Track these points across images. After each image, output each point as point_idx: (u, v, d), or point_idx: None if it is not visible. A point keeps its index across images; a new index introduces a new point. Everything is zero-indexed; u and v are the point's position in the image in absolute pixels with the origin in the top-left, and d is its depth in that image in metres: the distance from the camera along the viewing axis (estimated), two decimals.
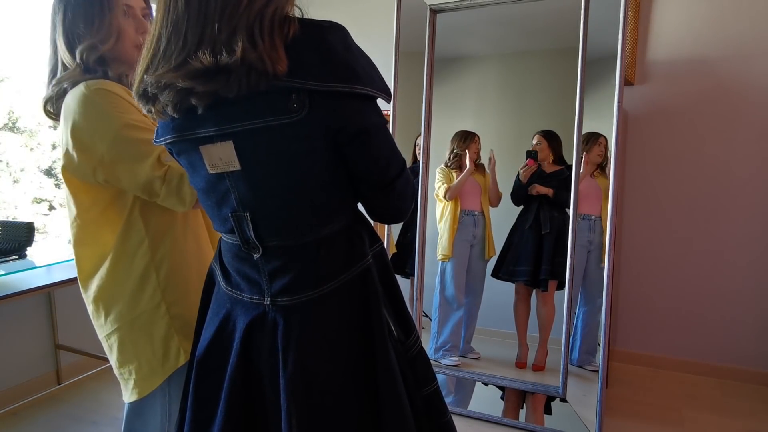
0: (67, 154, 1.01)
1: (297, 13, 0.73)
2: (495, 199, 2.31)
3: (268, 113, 0.71)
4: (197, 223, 1.12)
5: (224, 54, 0.67)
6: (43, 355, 2.38)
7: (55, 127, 1.07)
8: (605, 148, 2.13)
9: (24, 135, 2.58)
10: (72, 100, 0.98)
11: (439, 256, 2.33)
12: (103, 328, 1.09)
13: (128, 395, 1.09)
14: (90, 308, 1.10)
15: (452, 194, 2.28)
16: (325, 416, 0.80)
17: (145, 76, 0.72)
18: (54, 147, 2.80)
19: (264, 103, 0.70)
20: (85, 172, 0.99)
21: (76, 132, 0.97)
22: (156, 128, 0.83)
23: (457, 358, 2.29)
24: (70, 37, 1.02)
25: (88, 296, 1.10)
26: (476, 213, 2.31)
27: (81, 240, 1.08)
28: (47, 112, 1.09)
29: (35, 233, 2.21)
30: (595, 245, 2.16)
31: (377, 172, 0.80)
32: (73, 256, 1.10)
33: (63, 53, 1.03)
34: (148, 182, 0.96)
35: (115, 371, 1.10)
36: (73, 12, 1.02)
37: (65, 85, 1.02)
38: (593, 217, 2.16)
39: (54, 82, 1.04)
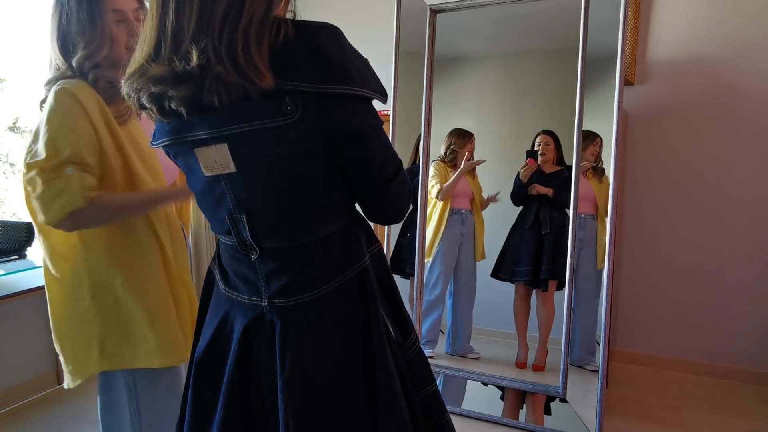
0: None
1: (289, 16, 0.73)
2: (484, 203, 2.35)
3: (262, 116, 0.70)
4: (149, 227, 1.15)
5: (190, 64, 0.66)
6: (43, 355, 2.38)
7: None
8: (600, 148, 2.13)
9: (24, 135, 2.59)
10: (48, 98, 1.04)
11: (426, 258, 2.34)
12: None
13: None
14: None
15: (444, 195, 2.29)
16: (323, 418, 0.80)
17: (126, 83, 0.73)
18: None
19: (257, 105, 0.70)
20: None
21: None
22: (153, 130, 0.84)
23: (431, 351, 2.34)
24: (64, 42, 1.06)
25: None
26: (464, 211, 2.32)
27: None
28: None
29: (35, 233, 2.21)
30: (585, 243, 2.16)
31: (373, 173, 0.80)
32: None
33: (55, 56, 1.07)
34: (35, 175, 0.98)
35: None
36: (67, 19, 1.05)
37: (49, 87, 1.07)
38: (583, 215, 2.15)
39: (45, 83, 1.09)
